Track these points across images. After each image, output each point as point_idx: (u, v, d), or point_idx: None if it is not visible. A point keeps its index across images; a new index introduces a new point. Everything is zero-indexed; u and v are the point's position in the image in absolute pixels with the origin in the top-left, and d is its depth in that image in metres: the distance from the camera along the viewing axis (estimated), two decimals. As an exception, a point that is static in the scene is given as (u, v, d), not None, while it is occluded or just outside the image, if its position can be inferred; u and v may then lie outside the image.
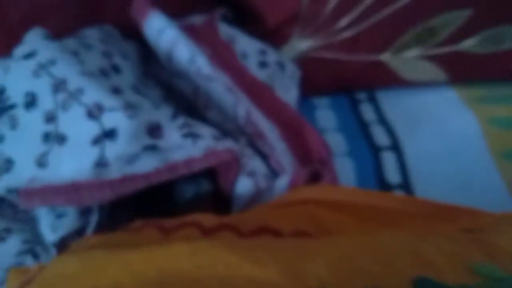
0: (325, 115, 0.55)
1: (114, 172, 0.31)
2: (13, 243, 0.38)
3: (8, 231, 0.39)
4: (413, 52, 0.54)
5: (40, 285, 0.29)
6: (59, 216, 0.33)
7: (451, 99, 0.56)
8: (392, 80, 0.55)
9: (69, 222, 0.33)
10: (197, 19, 0.52)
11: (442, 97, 0.57)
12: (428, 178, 0.47)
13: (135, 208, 0.36)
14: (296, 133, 0.41)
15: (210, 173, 0.36)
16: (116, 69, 0.42)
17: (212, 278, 0.24)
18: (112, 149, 0.31)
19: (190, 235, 0.29)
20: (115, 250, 0.29)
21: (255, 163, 0.37)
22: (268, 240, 0.28)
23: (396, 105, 0.56)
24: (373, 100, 0.57)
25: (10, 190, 0.39)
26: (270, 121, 0.42)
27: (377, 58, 0.54)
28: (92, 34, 0.46)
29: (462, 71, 0.56)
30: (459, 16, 0.52)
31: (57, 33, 0.42)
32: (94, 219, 0.33)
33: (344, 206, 0.33)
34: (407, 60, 0.54)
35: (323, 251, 0.25)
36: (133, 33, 0.47)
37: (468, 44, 0.54)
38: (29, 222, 0.39)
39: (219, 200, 0.37)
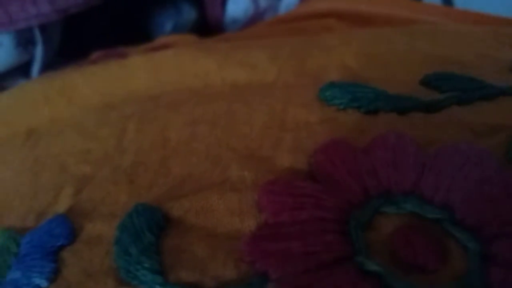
0: None
1: None
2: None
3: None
4: None
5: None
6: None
7: None
8: None
9: (5, 53, 0.24)
10: None
11: None
12: None
13: (103, 45, 0.28)
14: None
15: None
16: None
17: (171, 92, 0.16)
18: None
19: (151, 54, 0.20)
20: (56, 81, 0.21)
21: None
22: (263, 41, 0.19)
23: None
24: None
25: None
26: None
27: None
28: None
29: None
30: None
31: None
32: (39, 51, 0.25)
33: (371, 18, 0.24)
34: None
35: (343, 39, 0.16)
36: None
37: None
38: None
39: (206, 32, 0.28)
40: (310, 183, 0.11)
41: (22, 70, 0.27)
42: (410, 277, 0.09)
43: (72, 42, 0.28)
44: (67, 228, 0.12)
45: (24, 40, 0.25)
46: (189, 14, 0.28)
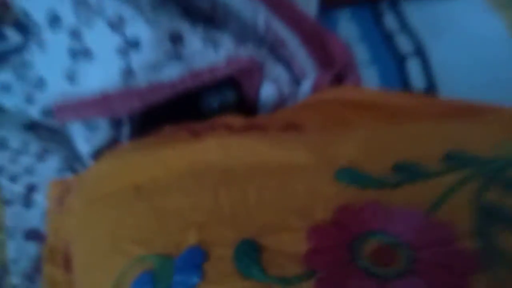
0: (348, 26, 0.54)
1: (141, 81, 0.32)
2: (53, 162, 0.40)
3: (46, 151, 0.41)
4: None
5: (80, 188, 0.31)
6: (92, 129, 0.35)
7: (477, 4, 0.54)
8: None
9: (102, 133, 0.34)
10: None
11: (467, 2, 0.55)
12: (453, 82, 0.46)
13: (165, 120, 0.37)
14: (317, 39, 0.41)
15: (234, 83, 0.37)
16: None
17: (241, 165, 0.25)
18: (137, 59, 0.31)
19: (219, 135, 0.30)
20: (149, 150, 0.30)
21: (278, 70, 0.37)
22: (296, 134, 0.29)
23: (420, 13, 0.54)
24: (396, 10, 0.55)
25: (46, 113, 0.40)
26: (290, 28, 0.41)
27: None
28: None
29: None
30: None
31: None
32: (126, 130, 0.34)
33: (368, 105, 0.33)
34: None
35: (352, 136, 0.25)
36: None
37: None
38: (65, 143, 0.41)
39: (244, 110, 0.37)
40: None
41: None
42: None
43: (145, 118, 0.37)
44: (202, 253, 0.20)
45: (115, 123, 0.35)
46: (231, 96, 0.38)
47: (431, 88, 0.45)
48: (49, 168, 0.40)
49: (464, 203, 0.19)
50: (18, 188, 0.40)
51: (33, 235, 0.38)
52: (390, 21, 0.54)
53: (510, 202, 0.18)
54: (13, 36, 0.54)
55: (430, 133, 0.25)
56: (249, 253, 0.19)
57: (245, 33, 0.40)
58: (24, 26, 0.52)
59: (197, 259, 0.20)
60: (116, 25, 0.32)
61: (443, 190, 0.19)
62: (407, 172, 0.21)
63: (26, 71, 0.43)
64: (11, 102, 0.43)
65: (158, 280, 0.20)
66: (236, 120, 0.32)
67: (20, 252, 0.37)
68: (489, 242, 0.18)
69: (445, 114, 0.35)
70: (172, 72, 0.32)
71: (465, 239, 0.18)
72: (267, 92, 0.36)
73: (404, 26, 0.53)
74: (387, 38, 0.51)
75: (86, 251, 0.27)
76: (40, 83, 0.36)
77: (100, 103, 0.32)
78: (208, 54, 0.33)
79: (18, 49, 0.50)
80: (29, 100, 0.42)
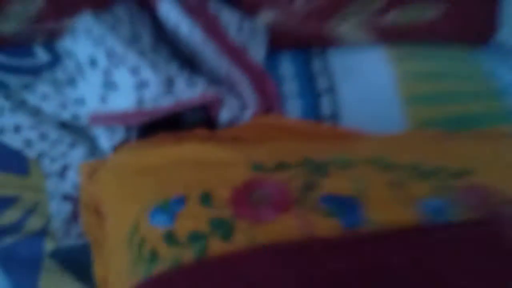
0: (286, 65, 0.76)
1: (148, 106, 0.53)
2: (80, 150, 0.60)
3: (76, 142, 0.61)
4: (350, 21, 0.74)
5: (108, 168, 0.52)
6: (112, 132, 0.56)
7: (380, 56, 0.77)
8: (335, 42, 0.76)
9: (119, 135, 0.55)
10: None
11: (373, 54, 0.78)
12: (352, 114, 0.69)
13: (160, 128, 0.58)
14: (259, 81, 0.63)
15: (204, 108, 0.58)
16: (140, 35, 0.63)
17: (199, 158, 0.46)
18: (146, 93, 0.52)
19: (193, 141, 0.51)
20: (150, 147, 0.51)
21: (232, 101, 0.59)
22: (237, 142, 0.50)
23: (338, 60, 0.77)
24: (322, 55, 0.78)
25: (75, 117, 0.61)
26: (242, 72, 0.63)
27: (324, 25, 0.74)
28: (120, 10, 0.66)
29: (388, 36, 0.76)
30: None
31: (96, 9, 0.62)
32: (134, 134, 0.55)
33: (285, 129, 0.56)
34: (346, 27, 0.74)
35: (264, 146, 0.47)
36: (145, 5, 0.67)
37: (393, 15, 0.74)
38: (89, 139, 0.61)
39: (209, 126, 0.59)
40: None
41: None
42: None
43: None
44: (183, 198, 0.42)
45: (128, 129, 0.55)
46: (201, 117, 0.59)
47: (335, 117, 0.67)
48: (78, 154, 0.60)
49: (298, 178, 0.40)
50: (55, 167, 0.60)
51: (68, 197, 0.58)
52: (316, 64, 0.76)
53: (319, 180, 0.40)
54: (42, 55, 0.74)
55: (304, 147, 0.47)
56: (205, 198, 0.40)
57: (213, 76, 0.61)
58: (51, 48, 0.72)
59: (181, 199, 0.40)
60: (134, 71, 0.53)
61: (293, 174, 0.41)
62: (280, 165, 0.43)
63: (61, 87, 0.63)
64: (49, 107, 0.63)
65: (164, 211, 0.40)
66: (203, 132, 0.53)
67: (59, 208, 0.57)
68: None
69: (330, 137, 0.57)
70: (166, 101, 0.53)
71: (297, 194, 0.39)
72: (224, 115, 0.57)
73: (325, 69, 0.75)
74: (312, 78, 0.73)
75: (115, 202, 0.48)
76: (81, 101, 0.57)
77: (121, 118, 0.53)
78: (189, 91, 0.55)
79: (49, 67, 0.70)
80: (63, 107, 0.62)
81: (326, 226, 0.35)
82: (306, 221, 0.36)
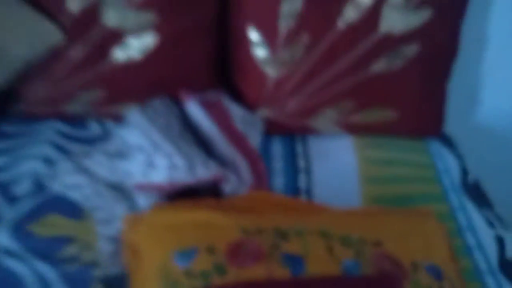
0: (277, 147, 1.01)
1: (176, 181, 0.78)
2: (123, 205, 0.84)
3: (120, 200, 0.85)
4: (326, 118, 1.00)
5: (144, 221, 0.76)
6: (149, 195, 0.80)
7: (347, 144, 1.03)
8: (313, 131, 1.01)
9: (154, 198, 0.80)
10: (211, 95, 0.97)
11: (342, 142, 1.03)
12: (320, 188, 0.93)
13: (183, 195, 0.83)
14: (254, 162, 0.88)
15: (213, 182, 0.83)
16: (171, 124, 0.89)
17: (204, 221, 0.70)
18: (176, 173, 0.77)
19: (203, 207, 0.75)
20: (176, 208, 0.76)
21: (233, 178, 0.83)
22: (232, 211, 0.75)
23: (317, 145, 1.02)
24: (303, 141, 1.03)
25: (121, 182, 0.86)
26: (242, 156, 0.88)
27: (306, 120, 1.00)
28: (158, 104, 0.92)
29: (354, 130, 1.02)
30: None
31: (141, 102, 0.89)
32: (165, 197, 0.80)
33: (269, 201, 0.80)
34: (323, 122, 1.00)
35: (253, 216, 0.71)
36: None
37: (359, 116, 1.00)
38: (129, 199, 0.86)
39: (215, 196, 0.84)
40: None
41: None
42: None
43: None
44: (196, 248, 0.65)
45: (161, 193, 0.80)
46: (210, 189, 0.84)
47: (309, 191, 0.91)
48: (121, 208, 0.84)
49: (269, 241, 0.63)
50: (104, 216, 0.85)
51: (113, 239, 0.82)
52: (298, 147, 1.02)
53: (281, 243, 0.64)
54: (95, 129, 1.00)
55: (276, 218, 0.71)
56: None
57: (221, 158, 0.87)
58: (102, 124, 0.99)
59: (194, 249, 0.64)
60: (168, 157, 0.79)
61: (266, 237, 0.65)
62: (258, 230, 0.66)
63: (112, 157, 0.88)
64: (102, 172, 0.88)
65: (184, 255, 0.63)
66: (211, 201, 0.78)
67: (106, 246, 0.81)
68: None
69: (301, 209, 0.81)
70: (188, 178, 0.78)
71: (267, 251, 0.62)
72: (227, 188, 0.82)
73: (304, 151, 1.01)
74: (294, 158, 0.99)
75: (148, 246, 0.72)
76: (128, 173, 0.82)
77: (157, 188, 0.78)
78: (204, 171, 0.80)
79: (101, 139, 0.96)
80: (112, 172, 0.87)
81: (282, 273, 0.59)
82: (270, 269, 0.59)
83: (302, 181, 0.94)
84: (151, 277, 0.68)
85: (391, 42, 0.91)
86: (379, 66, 0.93)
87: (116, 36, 0.87)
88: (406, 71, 0.95)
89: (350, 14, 0.87)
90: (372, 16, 0.88)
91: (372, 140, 1.04)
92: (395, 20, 0.88)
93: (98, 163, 0.89)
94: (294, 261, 0.60)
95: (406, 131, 1.05)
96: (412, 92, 0.99)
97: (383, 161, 1.00)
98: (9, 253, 0.78)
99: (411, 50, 0.92)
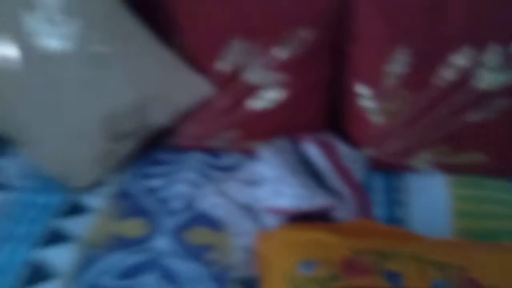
0: (378, 182, 1.19)
1: (301, 207, 0.99)
2: (252, 223, 1.07)
3: (249, 218, 1.09)
4: (422, 159, 1.16)
5: (273, 236, 0.98)
6: (277, 217, 1.02)
7: (441, 181, 1.17)
8: (411, 169, 1.18)
9: (280, 219, 1.02)
10: (323, 136, 1.18)
11: (436, 179, 1.18)
12: (416, 219, 1.09)
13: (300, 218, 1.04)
14: (360, 196, 1.07)
15: (323, 210, 1.03)
16: (293, 160, 1.10)
17: (321, 240, 0.89)
18: (299, 201, 0.99)
19: (320, 229, 0.95)
20: (296, 229, 0.97)
21: (341, 207, 1.03)
22: (344, 233, 0.94)
23: (414, 181, 1.18)
24: (402, 176, 1.20)
25: (252, 204, 1.09)
26: (349, 189, 1.08)
27: (405, 160, 1.16)
28: (281, 143, 1.15)
29: (448, 170, 1.16)
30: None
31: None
32: (287, 219, 1.02)
33: (373, 227, 0.99)
34: (419, 162, 1.16)
35: (361, 239, 0.90)
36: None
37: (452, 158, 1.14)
38: (257, 218, 1.08)
39: (324, 219, 1.03)
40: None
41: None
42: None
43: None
44: (317, 262, 0.85)
45: (286, 214, 1.02)
46: (322, 215, 1.05)
47: (405, 221, 1.08)
48: (251, 225, 1.07)
49: (374, 260, 0.80)
50: (237, 230, 1.08)
51: (246, 248, 1.04)
52: (398, 183, 1.18)
53: (384, 262, 0.81)
54: (228, 159, 1.25)
55: (380, 243, 0.89)
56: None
57: (331, 189, 1.07)
58: (234, 155, 1.23)
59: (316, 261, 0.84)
60: (293, 187, 1.00)
61: (372, 257, 0.82)
62: (366, 251, 0.84)
63: (244, 183, 1.12)
64: (237, 195, 1.12)
65: (307, 265, 0.83)
66: (325, 224, 0.98)
67: (241, 254, 1.04)
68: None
69: (400, 236, 0.98)
70: (306, 205, 0.99)
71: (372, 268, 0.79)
72: (338, 215, 1.02)
73: (403, 186, 1.17)
74: (393, 192, 1.15)
75: (276, 256, 0.93)
76: (258, 198, 1.05)
77: (283, 212, 1.00)
78: (318, 200, 1.00)
79: (233, 168, 1.21)
80: (246, 196, 1.11)
81: (385, 285, 0.77)
82: (376, 281, 0.78)
83: (400, 213, 1.11)
84: (278, 281, 0.90)
85: (485, 97, 1.05)
86: (473, 116, 1.08)
87: (253, 90, 1.12)
88: (498, 121, 1.09)
89: (447, 75, 1.03)
90: (468, 76, 1.03)
91: (463, 178, 1.18)
92: (491, 80, 1.03)
93: (233, 188, 1.13)
94: (395, 276, 0.78)
95: (496, 172, 1.17)
96: (502, 138, 1.12)
97: (473, 197, 1.14)
98: (169, 254, 1.03)
99: (503, 103, 1.06)
